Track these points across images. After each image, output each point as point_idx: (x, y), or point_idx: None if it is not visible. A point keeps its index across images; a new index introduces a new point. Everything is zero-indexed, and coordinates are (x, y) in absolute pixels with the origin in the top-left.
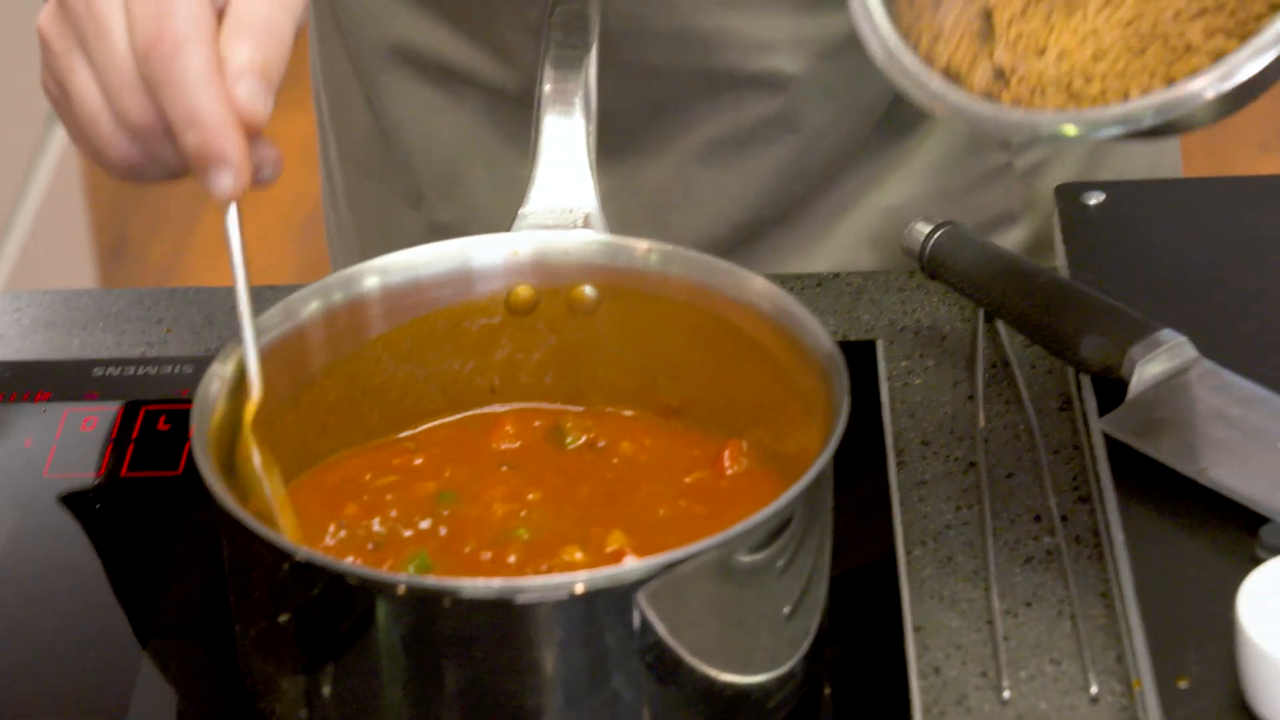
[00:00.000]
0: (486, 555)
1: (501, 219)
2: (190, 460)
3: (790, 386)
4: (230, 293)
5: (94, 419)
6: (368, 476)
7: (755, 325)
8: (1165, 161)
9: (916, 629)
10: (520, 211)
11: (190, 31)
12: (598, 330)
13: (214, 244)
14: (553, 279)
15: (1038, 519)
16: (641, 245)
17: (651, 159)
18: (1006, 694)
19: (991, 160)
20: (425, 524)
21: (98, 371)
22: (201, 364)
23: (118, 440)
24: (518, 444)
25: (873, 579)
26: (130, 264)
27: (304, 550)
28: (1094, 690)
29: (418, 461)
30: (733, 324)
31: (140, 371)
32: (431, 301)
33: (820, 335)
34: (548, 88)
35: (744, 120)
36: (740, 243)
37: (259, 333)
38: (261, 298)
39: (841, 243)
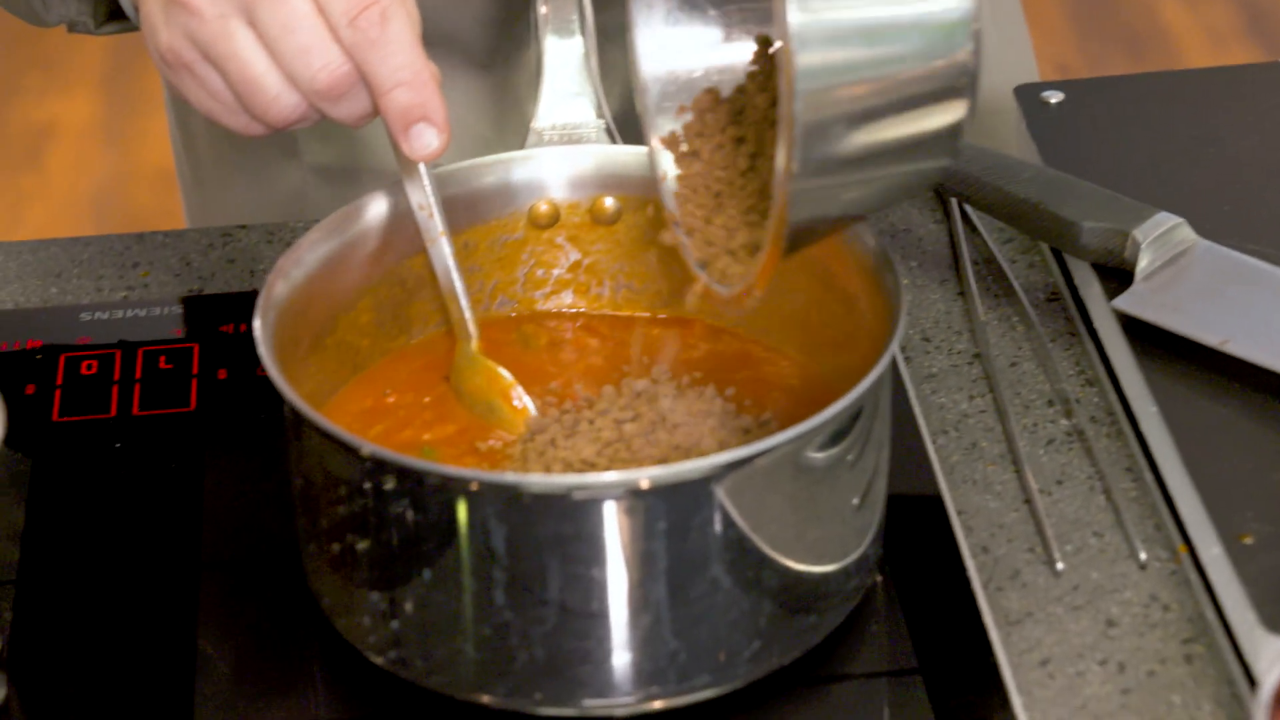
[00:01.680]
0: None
1: (383, 152)
2: (203, 395)
3: (831, 287)
4: (203, 233)
5: (93, 363)
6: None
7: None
8: (1021, 71)
9: (958, 512)
10: (531, 127)
11: (364, 34)
12: (620, 242)
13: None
14: (574, 192)
15: (1050, 403)
16: None
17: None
18: (1060, 566)
19: None
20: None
21: (85, 316)
22: (189, 303)
23: (122, 382)
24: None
25: (905, 469)
26: None
27: (370, 446)
28: (1142, 557)
29: (390, 399)
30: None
31: (127, 314)
32: (452, 223)
33: (865, 233)
34: (543, 10)
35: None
36: None
37: (301, 258)
38: (234, 239)
39: None
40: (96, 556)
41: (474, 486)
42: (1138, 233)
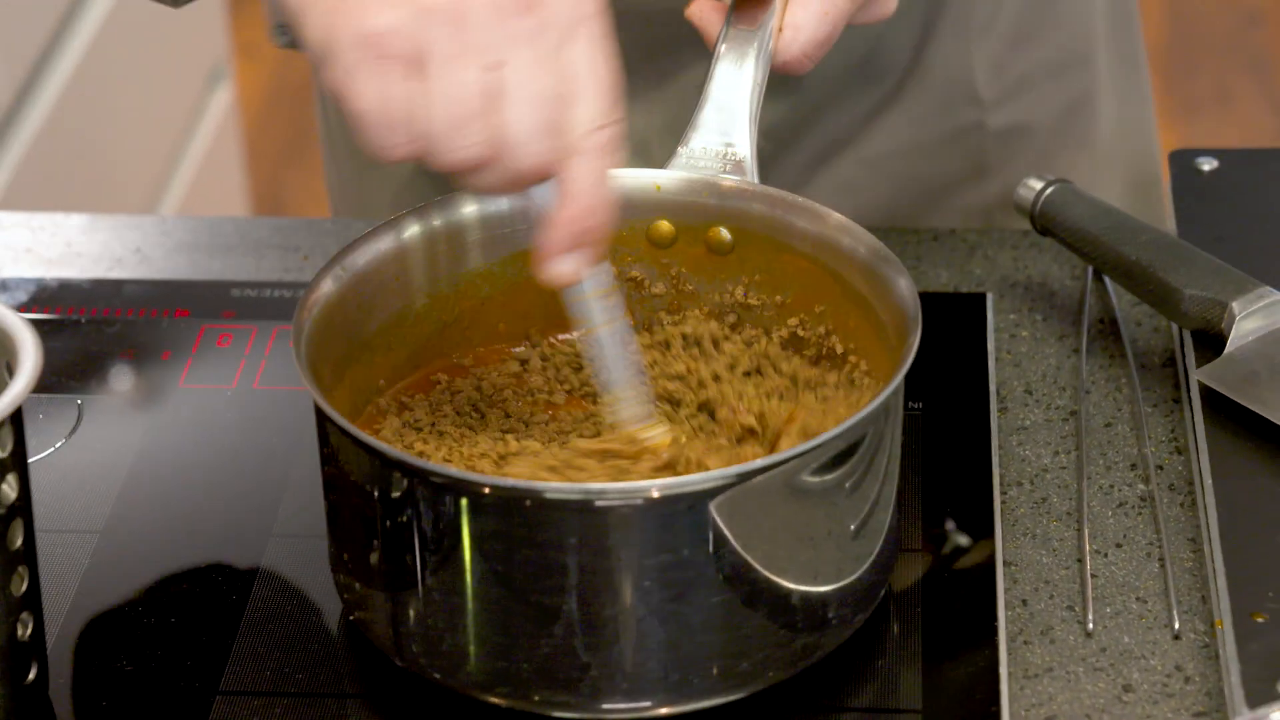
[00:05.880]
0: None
1: None
2: None
3: (878, 325)
4: (368, 224)
5: (229, 336)
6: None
7: (852, 272)
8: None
9: (1007, 563)
10: (679, 149)
11: (598, 144)
12: (725, 271)
13: None
14: (692, 218)
15: (1133, 467)
16: (774, 193)
17: (641, 100)
18: (1090, 626)
19: (964, 116)
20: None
21: (235, 293)
22: None
23: (250, 357)
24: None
25: (969, 515)
26: None
27: (394, 450)
28: (1176, 626)
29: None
30: (838, 273)
31: (275, 294)
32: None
33: (902, 278)
34: (723, 46)
35: None
36: None
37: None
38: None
39: (818, 193)
40: (179, 518)
41: (483, 490)
42: (1236, 305)
